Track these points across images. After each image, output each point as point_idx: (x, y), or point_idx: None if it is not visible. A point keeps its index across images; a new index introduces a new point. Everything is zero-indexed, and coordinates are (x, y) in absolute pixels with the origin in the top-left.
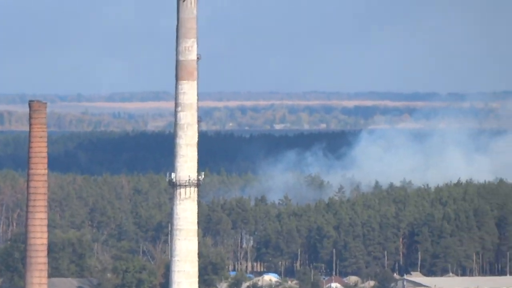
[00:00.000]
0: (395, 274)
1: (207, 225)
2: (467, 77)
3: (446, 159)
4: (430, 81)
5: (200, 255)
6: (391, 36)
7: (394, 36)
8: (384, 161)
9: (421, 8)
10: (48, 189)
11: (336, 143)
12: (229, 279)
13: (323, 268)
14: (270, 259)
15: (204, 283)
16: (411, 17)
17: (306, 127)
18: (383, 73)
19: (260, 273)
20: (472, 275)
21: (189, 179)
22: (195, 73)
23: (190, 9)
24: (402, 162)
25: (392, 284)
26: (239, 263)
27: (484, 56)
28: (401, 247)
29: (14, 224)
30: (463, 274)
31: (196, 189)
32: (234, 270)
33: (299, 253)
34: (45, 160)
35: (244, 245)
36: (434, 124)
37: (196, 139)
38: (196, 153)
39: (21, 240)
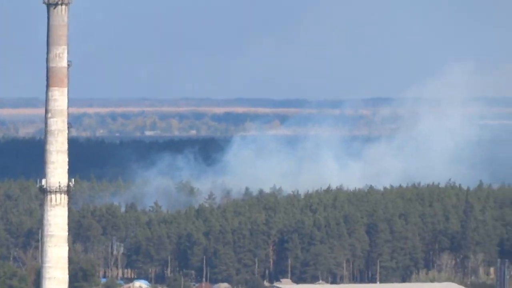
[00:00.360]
0: (265, 281)
1: (78, 232)
2: (338, 84)
3: (319, 166)
4: (301, 88)
5: (70, 261)
6: (261, 44)
7: (265, 43)
8: (256, 168)
9: (292, 17)
10: None
11: (206, 149)
12: (100, 286)
13: (193, 275)
14: (141, 265)
15: None
16: (282, 25)
17: (176, 133)
18: (254, 80)
19: (131, 280)
20: (343, 282)
21: (60, 186)
22: (66, 79)
23: (61, 16)
24: (273, 169)
25: None
26: (109, 270)
27: (355, 63)
28: (271, 254)
29: None
30: (334, 281)
31: (66, 195)
32: (104, 276)
33: (169, 260)
34: None
35: (115, 252)
36: (305, 131)
37: (66, 146)
38: (66, 160)
39: None
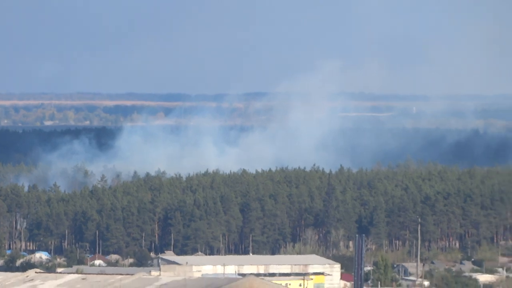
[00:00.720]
0: (151, 253)
1: None
2: (218, 79)
3: (199, 151)
4: (183, 83)
5: None
6: (148, 42)
7: (151, 42)
8: (143, 153)
9: (173, 16)
10: None
11: (99, 137)
12: (6, 257)
13: (87, 247)
14: (41, 239)
15: None
16: (166, 24)
17: (72, 123)
18: (141, 75)
19: (33, 251)
20: (219, 254)
21: None
22: None
23: None
24: (159, 154)
25: (149, 262)
26: (14, 243)
27: (233, 60)
28: (156, 229)
29: None
30: (211, 253)
31: None
32: (9, 248)
33: (66, 234)
34: None
35: (19, 227)
36: (186, 121)
37: None
38: None
39: None
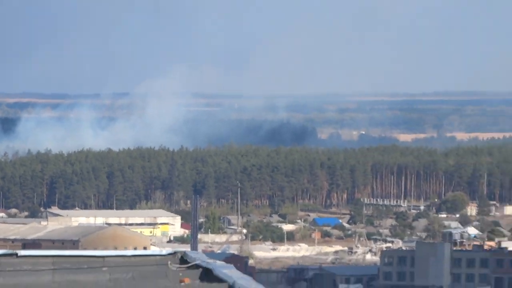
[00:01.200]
0: (41, 208)
1: None
2: (95, 81)
3: (78, 135)
4: (65, 84)
5: None
6: (41, 49)
7: (44, 49)
8: (36, 137)
9: (63, 26)
10: None
11: (4, 124)
12: None
13: None
14: None
15: None
16: (57, 34)
17: None
18: (35, 78)
19: None
20: (91, 209)
21: None
22: None
23: None
24: (48, 137)
25: (39, 214)
26: None
27: (103, 64)
28: (45, 191)
29: None
30: (85, 208)
31: None
32: None
33: None
34: None
35: None
36: (68, 114)
37: None
38: None
39: None
